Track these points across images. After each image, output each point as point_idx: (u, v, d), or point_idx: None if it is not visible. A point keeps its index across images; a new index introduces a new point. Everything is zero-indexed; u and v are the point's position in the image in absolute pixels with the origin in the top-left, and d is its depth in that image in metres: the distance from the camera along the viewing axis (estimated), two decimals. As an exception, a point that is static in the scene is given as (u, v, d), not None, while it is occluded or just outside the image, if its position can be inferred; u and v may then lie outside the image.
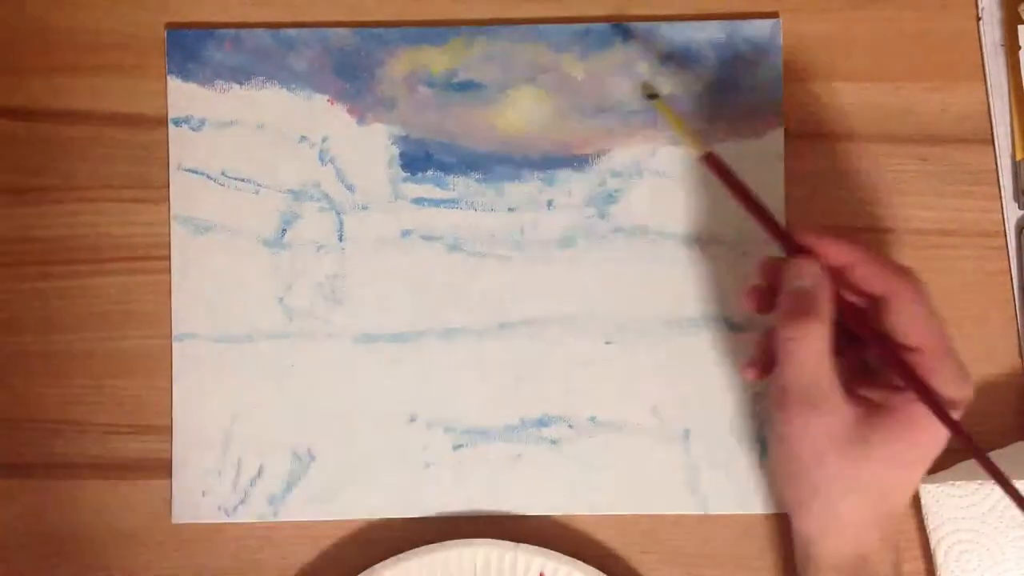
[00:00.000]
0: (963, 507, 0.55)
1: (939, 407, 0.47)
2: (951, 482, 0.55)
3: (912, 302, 0.48)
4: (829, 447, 0.48)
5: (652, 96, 0.57)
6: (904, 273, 0.49)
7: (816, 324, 0.48)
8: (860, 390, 0.50)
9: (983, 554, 0.54)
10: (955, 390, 0.48)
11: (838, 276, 0.49)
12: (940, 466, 0.55)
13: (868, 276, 0.49)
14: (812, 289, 0.48)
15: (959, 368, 0.48)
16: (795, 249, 0.50)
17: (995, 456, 0.55)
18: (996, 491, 0.54)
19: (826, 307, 0.48)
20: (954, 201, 0.58)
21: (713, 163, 0.52)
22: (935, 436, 0.48)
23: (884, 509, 0.50)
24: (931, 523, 0.55)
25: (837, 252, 0.49)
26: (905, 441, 0.48)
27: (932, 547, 0.55)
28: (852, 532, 0.49)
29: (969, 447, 0.48)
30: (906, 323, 0.48)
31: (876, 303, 0.49)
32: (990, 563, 0.54)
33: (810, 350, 0.48)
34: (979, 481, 0.54)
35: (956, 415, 0.48)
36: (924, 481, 0.55)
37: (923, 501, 0.55)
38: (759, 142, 0.58)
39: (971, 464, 0.55)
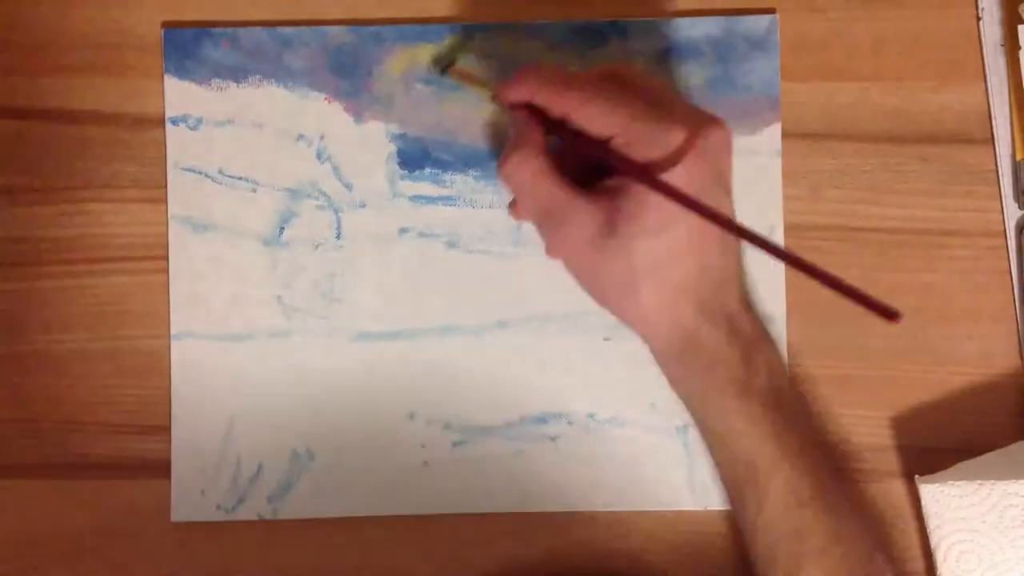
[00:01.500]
0: (963, 507, 0.54)
1: (630, 168, 0.47)
2: (951, 482, 0.55)
3: (581, 106, 0.48)
4: (590, 248, 0.48)
5: (446, 68, 0.58)
6: (571, 81, 0.49)
7: (524, 153, 0.49)
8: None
9: (983, 554, 0.54)
10: (658, 148, 0.47)
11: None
12: (940, 466, 0.56)
13: (546, 100, 0.49)
14: (514, 133, 0.50)
15: (659, 126, 0.47)
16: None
17: (995, 456, 0.55)
18: (996, 491, 0.54)
19: (529, 137, 0.49)
20: (954, 201, 0.58)
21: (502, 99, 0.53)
22: (660, 198, 0.47)
23: (674, 280, 0.49)
24: (931, 523, 0.55)
25: (518, 91, 0.50)
26: (641, 211, 0.47)
27: (932, 547, 0.55)
28: (659, 314, 0.49)
29: (644, 182, 0.47)
30: (587, 125, 0.48)
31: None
32: (990, 563, 0.54)
33: (529, 176, 0.49)
34: (979, 481, 0.54)
35: (675, 169, 0.47)
36: (923, 481, 0.55)
37: (923, 501, 0.55)
38: (757, 138, 0.58)
39: (970, 464, 0.56)
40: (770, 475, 0.49)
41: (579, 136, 0.49)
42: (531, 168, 0.49)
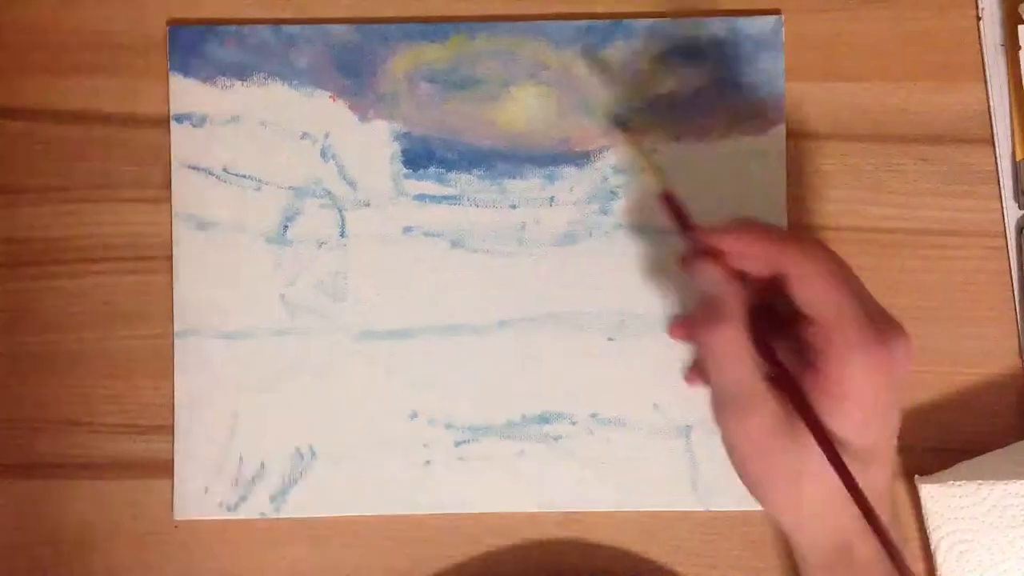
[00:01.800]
0: (963, 507, 0.54)
1: (817, 429, 0.46)
2: (951, 482, 0.55)
3: (802, 273, 0.46)
4: (767, 443, 0.47)
5: (621, 124, 0.57)
6: (793, 243, 0.47)
7: (726, 327, 0.46)
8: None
9: (983, 554, 0.54)
10: (846, 364, 0.45)
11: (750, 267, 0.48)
12: (940, 466, 0.56)
13: (761, 257, 0.47)
14: (717, 293, 0.47)
15: (871, 332, 0.45)
16: (704, 253, 0.49)
17: (995, 456, 0.56)
18: (996, 491, 0.54)
19: (735, 308, 0.47)
20: (954, 201, 0.58)
21: (667, 202, 0.52)
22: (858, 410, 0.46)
23: (841, 493, 0.47)
24: (931, 523, 0.55)
25: (732, 243, 0.48)
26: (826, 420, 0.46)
27: (932, 547, 0.55)
28: (820, 520, 0.48)
29: (841, 473, 0.46)
30: (799, 289, 0.46)
31: (781, 283, 0.47)
32: (990, 563, 0.54)
33: (726, 354, 0.46)
34: (979, 481, 0.54)
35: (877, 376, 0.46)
36: (923, 481, 0.55)
37: (923, 501, 0.55)
38: (761, 139, 0.58)
39: (970, 464, 0.56)
40: None
41: (773, 313, 0.47)
42: (734, 349, 0.46)
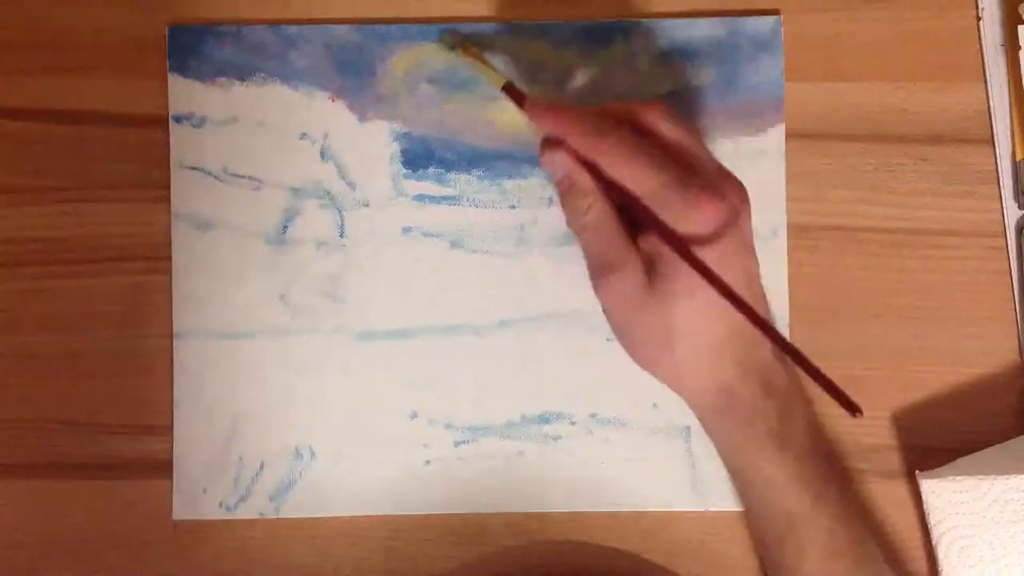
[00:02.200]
0: (964, 502, 0.54)
1: (670, 237, 0.48)
2: (951, 477, 0.55)
3: (616, 162, 0.49)
4: (635, 301, 0.49)
5: (456, 45, 0.58)
6: (598, 132, 0.50)
7: (581, 198, 0.50)
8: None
9: (984, 549, 0.54)
10: (687, 221, 0.48)
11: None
12: (940, 462, 0.56)
13: (582, 148, 0.50)
14: (566, 173, 0.51)
15: (688, 196, 0.48)
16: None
17: (995, 451, 0.56)
18: (997, 486, 0.54)
19: (582, 181, 0.50)
20: (954, 201, 0.58)
21: (509, 93, 0.54)
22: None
23: (709, 338, 0.50)
24: (932, 518, 0.55)
25: (556, 124, 0.51)
26: (675, 273, 0.48)
27: (933, 542, 0.55)
28: (695, 371, 0.50)
29: (678, 251, 0.48)
30: (619, 179, 0.49)
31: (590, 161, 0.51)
32: (991, 558, 0.54)
33: (589, 221, 0.50)
34: (979, 476, 0.54)
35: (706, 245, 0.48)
36: (924, 476, 0.55)
37: (924, 496, 0.55)
38: (761, 139, 0.58)
39: (971, 459, 0.56)
40: (809, 527, 0.50)
41: (611, 184, 0.50)
42: (595, 216, 0.50)
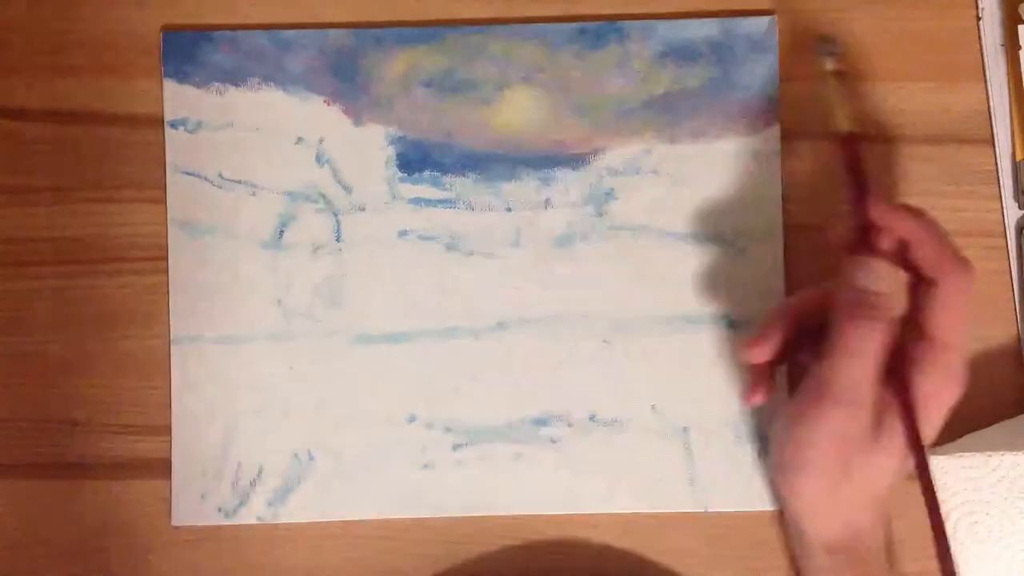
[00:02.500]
0: (972, 479, 0.55)
1: (911, 419, 0.48)
2: (960, 454, 0.55)
3: (957, 293, 0.48)
4: (851, 440, 0.49)
5: (833, 53, 0.55)
6: (962, 261, 0.48)
7: (882, 328, 0.48)
8: None
9: (993, 525, 0.55)
10: (941, 387, 0.49)
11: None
12: (948, 437, 0.55)
13: (927, 257, 0.49)
14: (887, 292, 0.48)
15: (957, 368, 0.49)
16: (867, 227, 0.50)
17: (1003, 427, 0.56)
18: (1005, 462, 0.54)
19: (896, 311, 0.48)
20: (954, 201, 0.57)
21: (851, 148, 0.52)
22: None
23: (877, 491, 0.50)
24: (941, 495, 0.54)
25: (904, 227, 0.49)
26: (899, 433, 0.49)
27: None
28: (845, 512, 0.50)
29: (920, 464, 0.49)
30: (940, 311, 0.48)
31: (924, 282, 0.49)
32: (1000, 534, 0.54)
33: (867, 351, 0.48)
34: (988, 452, 0.54)
35: (938, 412, 0.49)
36: (933, 453, 0.55)
37: (932, 473, 0.55)
38: (756, 139, 0.58)
39: (979, 435, 0.56)
40: None
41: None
42: (875, 348, 0.48)
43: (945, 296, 0.48)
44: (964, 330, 0.48)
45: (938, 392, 0.49)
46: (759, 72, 0.58)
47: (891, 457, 0.49)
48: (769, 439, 0.55)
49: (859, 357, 0.48)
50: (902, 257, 0.49)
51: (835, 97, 0.54)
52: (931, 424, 0.49)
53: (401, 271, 0.58)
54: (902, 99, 0.58)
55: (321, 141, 0.58)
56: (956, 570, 0.48)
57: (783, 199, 0.57)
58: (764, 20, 0.58)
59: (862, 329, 0.48)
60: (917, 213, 0.50)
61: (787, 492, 0.52)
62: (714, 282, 0.57)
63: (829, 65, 0.54)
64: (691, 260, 0.57)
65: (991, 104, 0.57)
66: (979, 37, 0.58)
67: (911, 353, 0.49)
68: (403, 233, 0.58)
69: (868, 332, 0.48)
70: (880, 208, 0.50)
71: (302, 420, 0.57)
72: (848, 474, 0.49)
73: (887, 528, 0.52)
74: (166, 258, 0.58)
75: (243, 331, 0.57)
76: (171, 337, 0.57)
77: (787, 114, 0.58)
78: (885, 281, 0.48)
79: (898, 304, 0.48)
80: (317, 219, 0.58)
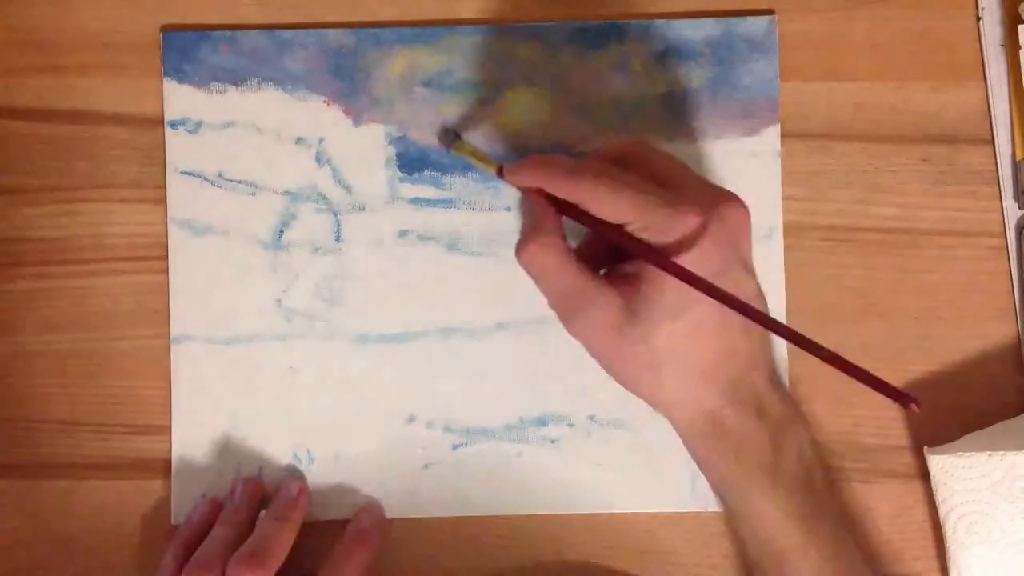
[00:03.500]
0: (972, 478, 0.54)
1: (651, 254, 0.47)
2: (960, 453, 0.54)
3: (591, 193, 0.48)
4: (613, 335, 0.48)
5: (455, 138, 0.57)
6: (574, 171, 0.49)
7: (536, 239, 0.49)
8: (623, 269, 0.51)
9: (993, 525, 0.54)
10: (672, 232, 0.47)
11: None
12: (948, 437, 0.56)
13: (561, 192, 0.49)
14: (529, 214, 0.51)
15: (672, 210, 0.47)
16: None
17: (1003, 427, 0.56)
18: (1005, 462, 0.54)
19: (548, 223, 0.50)
20: (954, 201, 0.58)
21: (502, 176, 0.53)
22: (677, 282, 0.47)
23: (697, 363, 0.48)
24: (940, 495, 0.55)
25: (534, 179, 0.50)
26: (660, 295, 0.47)
27: (941, 519, 0.55)
28: (683, 398, 0.49)
29: (659, 264, 0.47)
30: (599, 211, 0.48)
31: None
32: (1000, 534, 0.54)
33: (547, 264, 0.49)
34: (988, 452, 0.54)
35: (691, 252, 0.47)
36: (932, 452, 0.55)
37: (932, 472, 0.55)
38: (756, 139, 0.58)
39: (979, 435, 0.56)
40: (800, 562, 0.49)
41: (592, 220, 0.49)
42: (550, 253, 0.49)
43: (588, 205, 0.48)
44: (626, 205, 0.47)
45: (664, 230, 0.47)
46: (759, 72, 0.58)
47: (663, 326, 0.47)
48: None
49: (547, 272, 0.50)
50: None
51: (475, 162, 0.55)
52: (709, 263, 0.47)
53: (401, 271, 0.58)
54: (902, 99, 0.58)
55: (321, 141, 0.58)
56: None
57: (786, 199, 0.58)
58: (764, 20, 0.58)
59: (525, 251, 0.50)
60: (527, 163, 0.51)
61: (630, 391, 0.51)
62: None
63: (454, 151, 0.56)
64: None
65: (991, 104, 0.57)
66: (979, 37, 0.58)
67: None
68: (403, 233, 0.58)
69: (530, 252, 0.50)
70: (510, 173, 0.52)
71: (302, 420, 0.57)
72: (648, 363, 0.48)
73: (755, 398, 0.50)
74: (166, 258, 0.58)
75: (243, 331, 0.57)
76: (171, 337, 0.57)
77: (789, 113, 0.58)
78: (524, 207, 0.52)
79: (543, 218, 0.50)
80: (317, 219, 0.58)
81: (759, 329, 0.49)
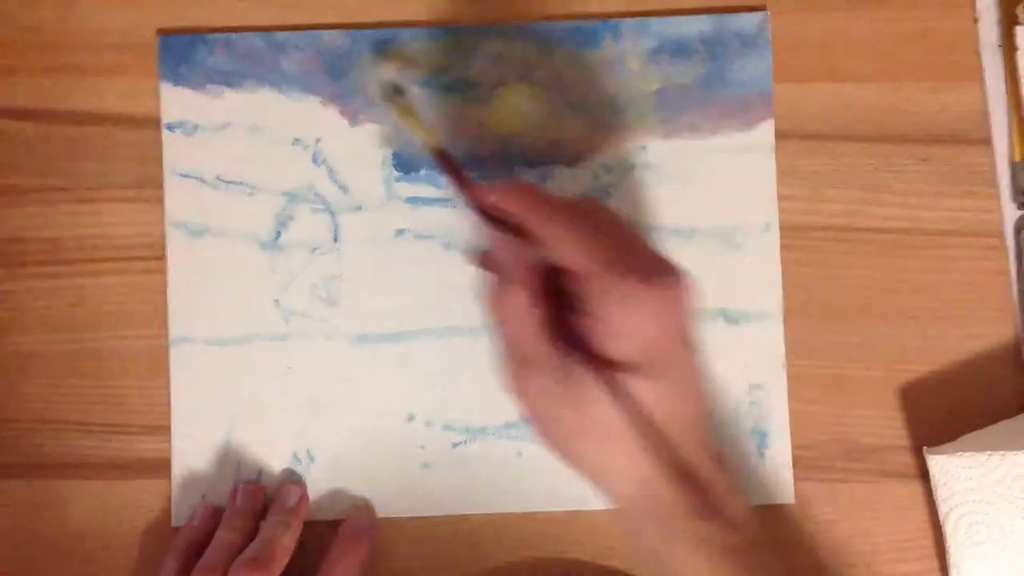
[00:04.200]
0: (972, 478, 0.54)
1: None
2: (959, 453, 0.54)
3: (560, 241, 0.47)
4: (549, 400, 0.47)
5: (396, 94, 0.55)
6: (546, 208, 0.48)
7: (505, 290, 0.47)
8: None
9: (993, 525, 0.54)
10: (616, 302, 0.46)
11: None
12: (948, 437, 0.56)
13: (535, 224, 0.48)
14: (503, 258, 0.48)
15: (621, 281, 0.46)
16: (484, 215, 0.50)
17: (1003, 427, 0.56)
18: (1005, 462, 0.54)
19: (519, 272, 0.47)
20: (954, 201, 0.57)
21: (443, 159, 0.52)
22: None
23: (631, 435, 0.47)
24: (940, 495, 0.55)
25: (497, 201, 0.49)
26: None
27: (941, 519, 0.55)
28: (616, 469, 0.48)
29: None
30: (561, 258, 0.47)
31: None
32: (1000, 534, 0.54)
33: (509, 314, 0.47)
34: (988, 452, 0.54)
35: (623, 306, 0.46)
36: (932, 452, 0.55)
37: (931, 472, 0.55)
38: (750, 134, 0.58)
39: (979, 435, 0.56)
40: None
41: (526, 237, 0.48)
42: (517, 307, 0.47)
43: (551, 245, 0.47)
44: (584, 260, 0.46)
45: (614, 314, 0.46)
46: (752, 68, 0.58)
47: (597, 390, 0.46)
48: None
49: (508, 320, 0.48)
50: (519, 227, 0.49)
51: (412, 129, 0.54)
52: (632, 346, 0.46)
53: (399, 270, 0.58)
54: (901, 99, 0.58)
55: (318, 141, 0.58)
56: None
57: (785, 199, 0.57)
58: (757, 16, 0.58)
59: (494, 296, 0.48)
60: (501, 186, 0.49)
61: (567, 463, 0.50)
62: (711, 277, 0.57)
63: (393, 109, 0.55)
64: (688, 256, 0.57)
65: (989, 105, 0.57)
66: (976, 38, 0.58)
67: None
68: (400, 232, 0.58)
69: (499, 297, 0.48)
70: (474, 190, 0.50)
71: (301, 420, 0.57)
72: (587, 435, 0.47)
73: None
74: (164, 258, 0.58)
75: (241, 331, 0.58)
76: (170, 337, 0.58)
77: (787, 113, 0.58)
78: (498, 248, 0.49)
79: (517, 266, 0.48)
80: (314, 219, 0.58)
81: (695, 399, 0.48)
